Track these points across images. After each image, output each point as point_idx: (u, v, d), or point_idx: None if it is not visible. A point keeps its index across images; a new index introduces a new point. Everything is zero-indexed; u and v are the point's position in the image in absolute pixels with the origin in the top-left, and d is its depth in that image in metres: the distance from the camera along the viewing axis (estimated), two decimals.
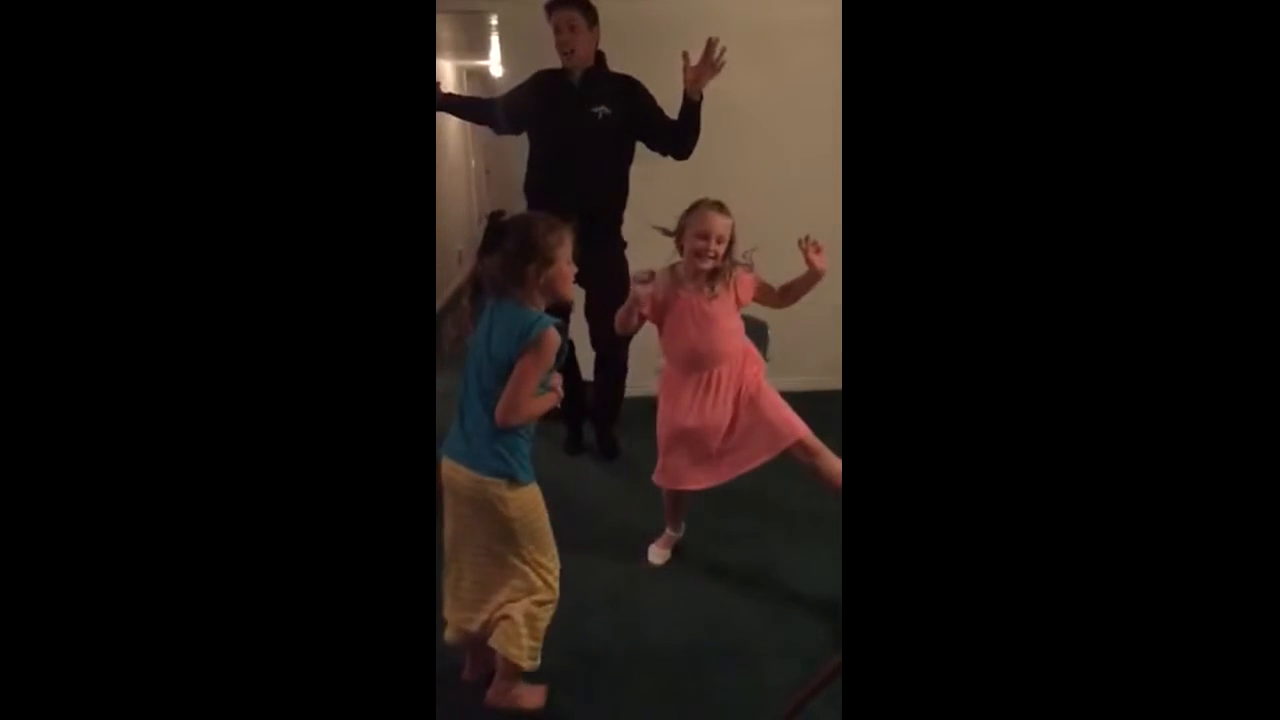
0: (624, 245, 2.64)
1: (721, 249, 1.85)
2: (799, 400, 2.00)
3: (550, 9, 2.36)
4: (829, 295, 1.85)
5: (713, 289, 1.89)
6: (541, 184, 2.54)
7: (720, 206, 1.86)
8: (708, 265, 1.86)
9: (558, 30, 2.34)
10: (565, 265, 1.46)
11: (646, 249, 2.75)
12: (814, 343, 1.95)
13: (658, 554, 2.18)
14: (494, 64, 4.89)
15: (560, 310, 1.54)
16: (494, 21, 3.77)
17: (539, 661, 1.52)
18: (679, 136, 2.40)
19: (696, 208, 1.87)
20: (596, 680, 1.69)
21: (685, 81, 2.29)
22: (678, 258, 1.94)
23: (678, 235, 1.89)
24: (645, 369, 3.52)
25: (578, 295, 1.97)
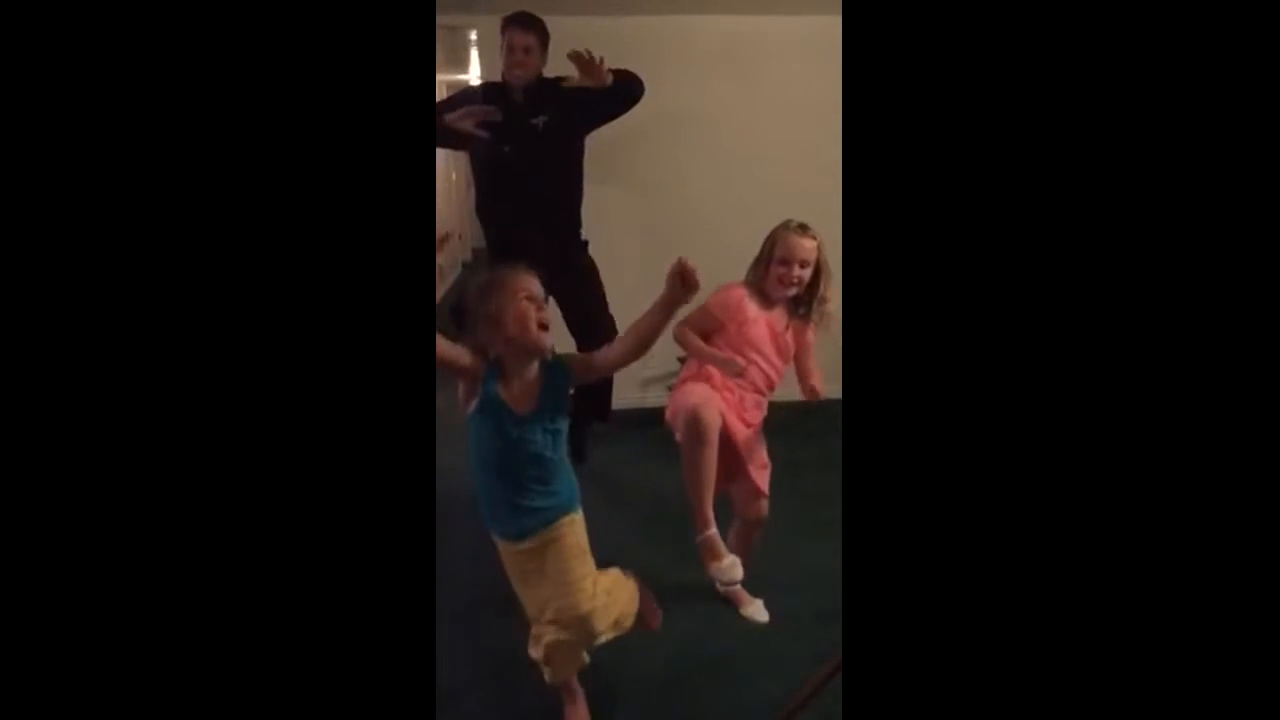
0: (586, 244, 2.63)
1: (806, 274, 1.76)
2: (796, 411, 1.99)
3: (507, 28, 2.35)
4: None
5: (801, 318, 1.81)
6: (492, 201, 2.52)
7: (803, 229, 1.76)
8: (791, 292, 1.78)
9: (511, 50, 2.34)
10: (513, 311, 1.35)
11: (609, 254, 2.78)
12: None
13: (723, 570, 1.75)
14: (473, 78, 4.91)
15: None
16: (473, 37, 3.80)
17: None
18: (620, 93, 2.38)
19: (777, 233, 1.78)
20: (590, 694, 1.68)
21: (592, 85, 2.28)
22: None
23: (761, 262, 1.81)
24: (625, 380, 3.55)
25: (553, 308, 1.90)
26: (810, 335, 1.88)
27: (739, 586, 1.98)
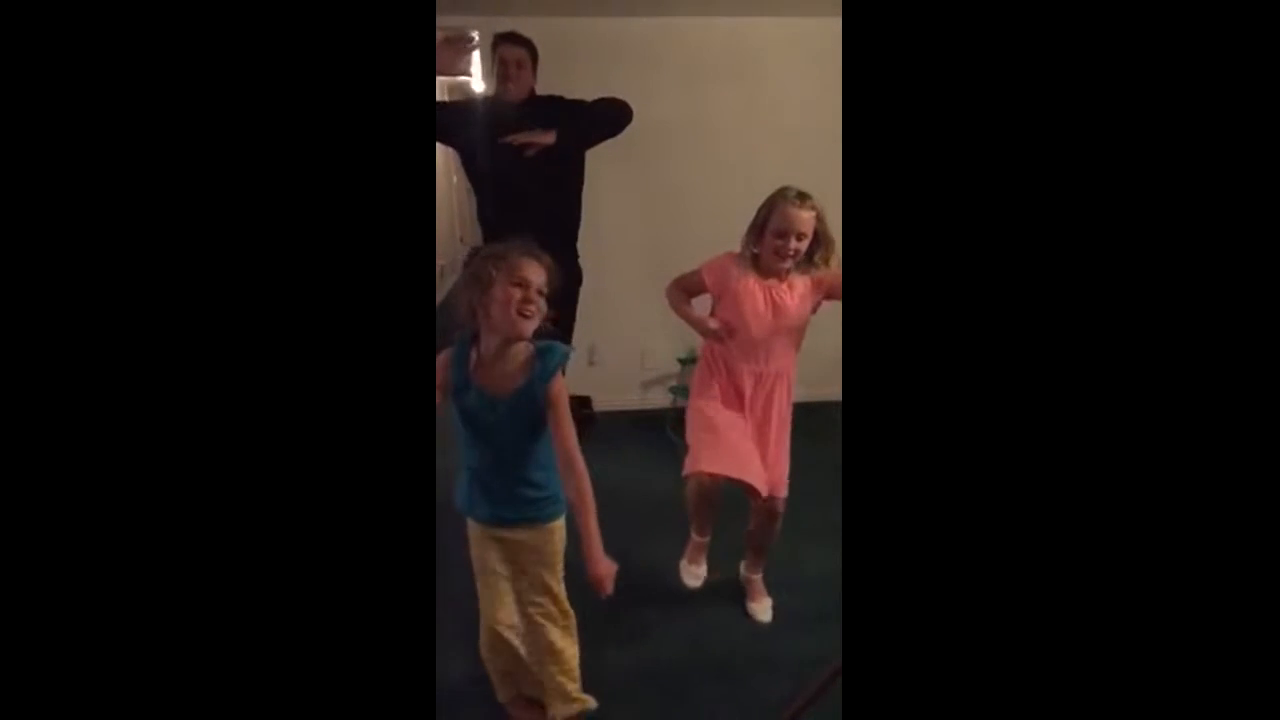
0: (579, 278, 2.65)
1: (803, 245, 1.70)
2: (796, 411, 1.98)
3: (498, 44, 2.43)
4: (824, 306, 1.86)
5: (789, 280, 1.75)
6: (492, 212, 2.57)
7: (802, 198, 1.68)
8: (787, 265, 1.73)
9: (504, 63, 2.41)
10: (501, 289, 1.32)
11: (604, 275, 2.77)
12: (805, 355, 1.93)
13: (692, 573, 2.00)
14: (475, 79, 4.91)
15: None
16: (475, 38, 3.80)
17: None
18: (608, 118, 2.45)
19: (774, 201, 1.71)
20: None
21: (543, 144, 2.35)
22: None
23: (755, 229, 1.76)
24: (625, 383, 3.56)
25: None
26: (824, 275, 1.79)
27: (758, 579, 2.00)
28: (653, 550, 2.25)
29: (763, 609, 1.98)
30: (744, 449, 1.78)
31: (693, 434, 1.83)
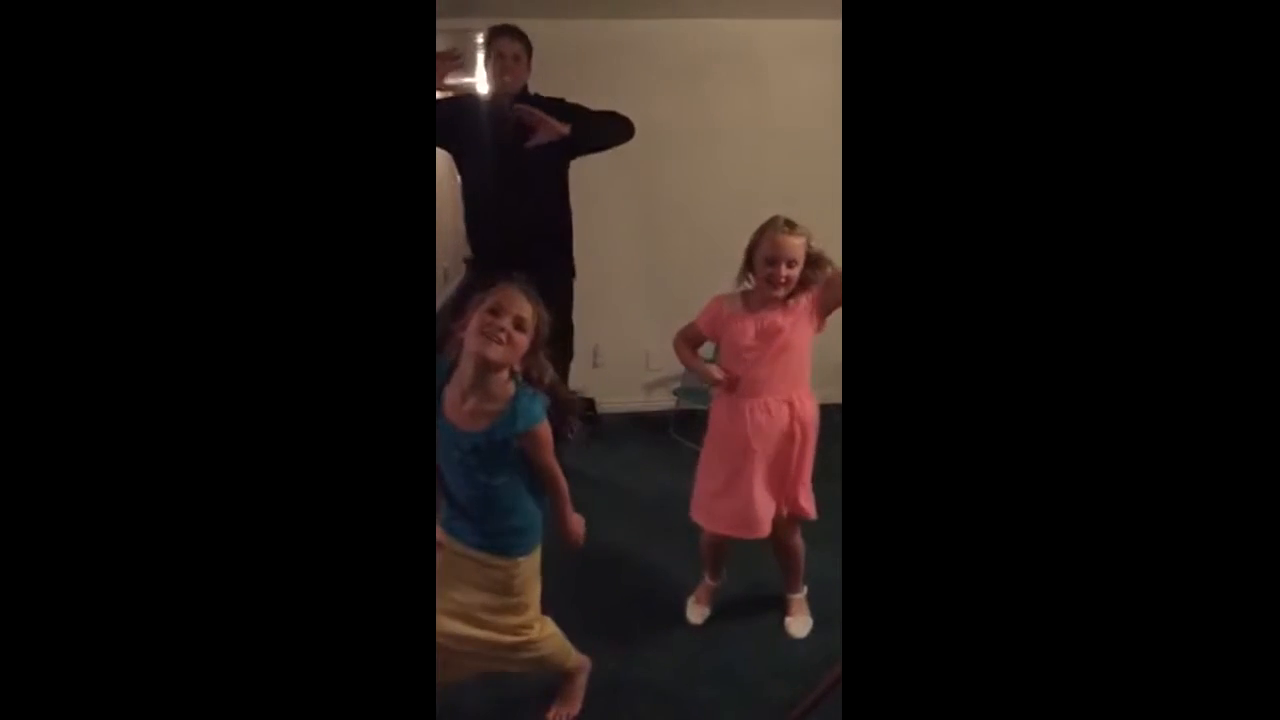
0: (573, 274, 2.62)
1: (795, 272, 1.70)
2: None
3: (494, 37, 2.41)
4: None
5: (784, 305, 1.75)
6: (478, 213, 2.52)
7: (790, 226, 1.69)
8: (780, 293, 1.72)
9: (501, 57, 2.39)
10: (477, 315, 1.33)
11: (608, 276, 2.76)
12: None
13: (697, 611, 2.03)
14: (479, 81, 4.93)
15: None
16: (479, 40, 3.82)
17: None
18: (608, 130, 2.43)
19: (765, 230, 1.72)
20: (591, 706, 1.67)
21: (550, 138, 2.30)
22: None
23: (747, 260, 1.76)
24: (629, 384, 3.56)
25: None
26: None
27: (797, 599, 2.01)
28: (655, 554, 2.25)
29: (797, 624, 1.97)
30: (746, 505, 1.79)
31: (698, 479, 1.90)
